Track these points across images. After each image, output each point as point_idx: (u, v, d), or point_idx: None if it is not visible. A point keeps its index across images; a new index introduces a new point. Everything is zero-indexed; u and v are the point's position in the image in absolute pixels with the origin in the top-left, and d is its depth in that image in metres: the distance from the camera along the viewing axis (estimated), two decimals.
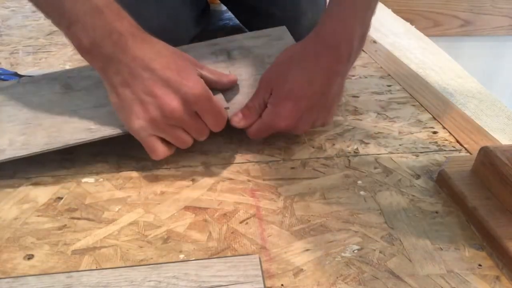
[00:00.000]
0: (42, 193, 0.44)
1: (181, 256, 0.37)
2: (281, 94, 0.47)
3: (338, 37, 0.46)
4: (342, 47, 0.46)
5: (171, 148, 0.46)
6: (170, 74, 0.42)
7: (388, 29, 0.94)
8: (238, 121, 0.50)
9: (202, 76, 0.45)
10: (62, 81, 0.52)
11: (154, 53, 0.42)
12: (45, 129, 0.45)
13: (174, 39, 0.69)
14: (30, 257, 0.37)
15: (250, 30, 0.83)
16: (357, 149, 0.52)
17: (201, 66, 0.47)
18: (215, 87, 0.48)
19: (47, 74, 0.54)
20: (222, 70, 0.51)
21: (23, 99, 0.50)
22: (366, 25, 0.48)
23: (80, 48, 0.42)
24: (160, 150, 0.45)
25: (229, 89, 0.51)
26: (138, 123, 0.42)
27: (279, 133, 0.50)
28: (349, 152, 0.51)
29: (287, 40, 0.58)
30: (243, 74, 0.54)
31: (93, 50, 0.41)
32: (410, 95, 0.65)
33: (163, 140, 0.45)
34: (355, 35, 0.46)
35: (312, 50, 0.47)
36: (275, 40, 0.58)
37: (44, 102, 0.49)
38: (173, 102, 0.41)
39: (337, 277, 0.35)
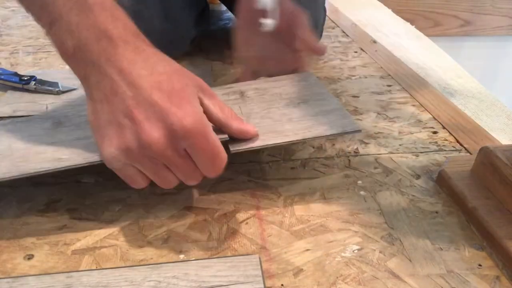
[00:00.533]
0: (42, 193, 0.44)
1: (181, 256, 0.37)
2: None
3: None
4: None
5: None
6: (158, 97, 0.34)
7: (388, 29, 0.94)
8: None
9: (204, 107, 0.37)
10: (56, 119, 0.48)
11: (146, 68, 0.35)
12: (12, 160, 0.40)
13: (174, 40, 0.69)
14: (30, 257, 0.37)
15: None
16: (357, 149, 0.52)
17: (211, 95, 0.38)
18: (219, 128, 0.39)
19: (43, 114, 0.51)
20: (231, 107, 0.41)
21: (7, 135, 0.46)
22: None
23: (62, 52, 0.36)
24: (140, 181, 0.37)
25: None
26: (109, 151, 0.35)
27: None
28: (349, 152, 0.51)
29: (311, 81, 0.52)
30: (255, 108, 0.47)
31: (76, 55, 0.35)
32: (410, 95, 0.65)
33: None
34: None
35: None
36: (297, 81, 0.52)
37: (26, 136, 0.45)
38: (154, 132, 0.33)
39: (337, 277, 0.35)
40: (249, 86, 0.51)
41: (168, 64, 0.36)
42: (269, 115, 0.45)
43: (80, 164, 0.39)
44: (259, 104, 0.48)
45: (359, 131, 0.43)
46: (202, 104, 0.36)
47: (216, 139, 0.35)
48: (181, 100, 0.34)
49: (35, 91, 0.62)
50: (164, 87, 0.34)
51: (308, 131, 0.43)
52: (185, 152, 0.35)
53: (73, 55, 0.36)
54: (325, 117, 0.45)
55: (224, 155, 0.36)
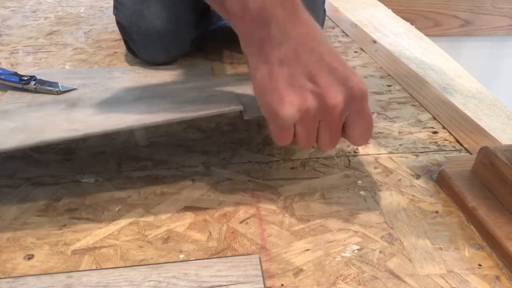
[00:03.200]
0: (42, 193, 0.44)
1: (181, 256, 0.37)
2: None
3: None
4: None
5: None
6: (337, 63, 0.36)
7: (388, 29, 0.94)
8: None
9: None
10: (70, 101, 0.50)
11: (322, 35, 0.37)
12: (28, 131, 0.42)
13: (175, 40, 0.69)
14: (30, 257, 0.37)
15: None
16: (357, 149, 0.52)
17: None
18: None
19: (58, 97, 0.53)
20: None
21: (22, 115, 0.47)
22: None
23: (240, 14, 0.36)
24: (289, 138, 0.39)
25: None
26: (290, 112, 0.36)
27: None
28: (349, 152, 0.51)
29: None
30: None
31: (260, 17, 0.36)
32: (410, 95, 0.65)
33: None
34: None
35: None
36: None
37: (42, 115, 0.46)
38: (338, 96, 0.35)
39: (337, 277, 0.35)
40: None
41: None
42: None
43: (96, 133, 0.39)
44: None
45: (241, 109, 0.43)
46: None
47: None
48: (349, 67, 0.37)
49: (35, 91, 0.62)
50: (334, 54, 0.37)
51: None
52: (347, 119, 0.38)
53: (256, 17, 0.36)
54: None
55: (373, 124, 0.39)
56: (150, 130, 0.55)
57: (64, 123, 0.42)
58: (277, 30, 0.36)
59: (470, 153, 0.51)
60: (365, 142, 0.40)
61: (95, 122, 0.42)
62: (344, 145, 0.53)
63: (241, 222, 0.41)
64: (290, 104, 0.36)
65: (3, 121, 0.46)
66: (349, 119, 0.38)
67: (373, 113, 0.59)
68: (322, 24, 0.76)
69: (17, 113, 0.48)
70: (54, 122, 0.43)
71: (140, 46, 0.69)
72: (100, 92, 0.51)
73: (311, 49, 0.36)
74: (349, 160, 0.50)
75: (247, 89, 0.48)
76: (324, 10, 0.76)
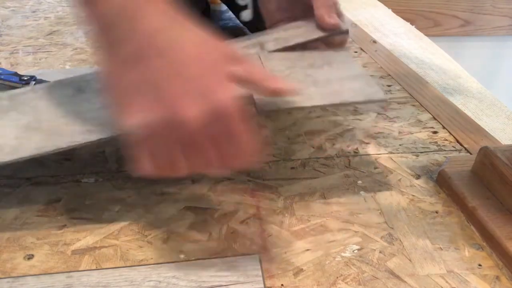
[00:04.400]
0: (42, 193, 0.44)
1: (181, 256, 0.37)
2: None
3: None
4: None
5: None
6: (198, 70, 0.30)
7: (388, 29, 0.94)
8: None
9: (234, 76, 0.32)
10: (76, 84, 0.49)
11: (182, 35, 0.31)
12: (42, 132, 0.41)
13: None
14: (30, 257, 0.37)
15: (250, 30, 0.83)
16: (357, 149, 0.52)
17: (242, 62, 0.34)
18: (254, 91, 0.36)
19: (63, 80, 0.52)
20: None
21: (31, 104, 0.46)
22: None
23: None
24: (146, 165, 0.31)
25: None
26: (134, 122, 0.30)
27: None
28: (349, 152, 0.51)
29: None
30: (277, 66, 0.45)
31: (107, 2, 0.31)
32: (410, 95, 0.65)
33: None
34: None
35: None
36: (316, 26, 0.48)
37: (51, 105, 0.46)
38: (192, 109, 0.29)
39: (337, 277, 0.35)
40: (269, 36, 0.48)
41: (200, 32, 0.32)
42: (293, 75, 0.42)
43: (110, 136, 0.38)
44: (281, 62, 0.44)
45: (385, 100, 0.42)
46: (234, 76, 0.32)
47: (249, 125, 0.32)
48: (221, 76, 0.30)
49: None
50: (204, 59, 0.31)
51: (334, 96, 0.41)
52: (215, 136, 0.30)
53: (103, 2, 0.31)
54: (351, 83, 0.43)
55: (255, 143, 0.32)
56: None
57: (76, 122, 0.41)
58: (125, 21, 0.30)
59: (470, 153, 0.51)
60: (239, 163, 0.32)
61: (105, 119, 0.40)
62: (344, 145, 0.53)
63: (241, 222, 0.41)
64: (136, 113, 0.30)
65: (12, 113, 0.45)
66: (221, 136, 0.30)
67: (376, 113, 0.59)
68: None
69: (24, 102, 0.46)
70: (66, 120, 0.42)
71: None
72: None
73: (165, 49, 0.30)
74: (349, 160, 0.50)
75: None
76: None
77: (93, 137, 0.38)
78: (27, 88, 0.50)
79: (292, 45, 0.47)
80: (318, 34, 0.47)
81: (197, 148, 0.30)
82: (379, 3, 1.10)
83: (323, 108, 0.44)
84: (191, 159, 0.31)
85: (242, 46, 0.48)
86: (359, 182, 0.47)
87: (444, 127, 0.57)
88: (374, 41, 0.84)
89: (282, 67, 0.44)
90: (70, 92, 0.47)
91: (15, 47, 0.79)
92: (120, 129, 0.32)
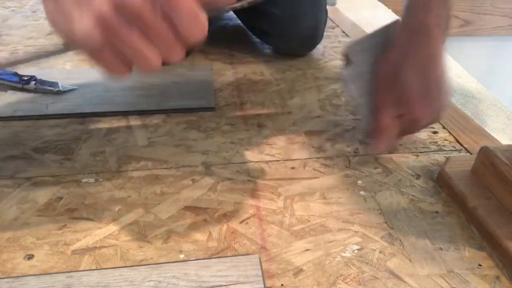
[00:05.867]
0: (42, 193, 0.44)
1: (181, 256, 0.37)
2: (409, 97, 0.46)
3: (426, 24, 0.46)
4: (433, 31, 0.46)
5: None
6: None
7: None
8: (381, 147, 0.47)
9: None
10: None
11: None
12: None
13: None
14: (30, 257, 0.37)
15: (251, 30, 0.83)
16: (357, 149, 0.52)
17: None
18: None
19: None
20: None
21: None
22: (448, 5, 0.47)
23: None
24: (120, 65, 0.32)
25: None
26: (82, 28, 0.29)
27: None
28: (349, 152, 0.51)
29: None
30: None
31: None
32: None
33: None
34: (440, 17, 0.46)
35: (409, 44, 0.47)
36: None
37: None
38: None
39: (337, 277, 0.35)
40: None
41: None
42: None
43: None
44: None
45: None
46: None
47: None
48: None
49: (35, 91, 0.62)
50: None
51: None
52: (164, 14, 0.30)
53: None
54: None
55: (203, 16, 0.32)
56: (150, 130, 0.55)
57: None
58: None
59: (470, 153, 0.51)
60: (195, 35, 0.33)
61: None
62: (344, 145, 0.53)
63: (241, 222, 0.41)
64: (79, 18, 0.29)
65: None
66: (167, 12, 0.30)
67: None
68: (324, 24, 0.76)
69: None
70: None
71: None
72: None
73: None
74: (349, 160, 0.50)
75: None
76: (326, 11, 0.76)
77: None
78: None
79: None
80: None
81: (152, 28, 0.30)
82: (379, 3, 1.10)
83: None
84: (154, 43, 0.31)
85: None
86: (359, 182, 0.47)
87: (444, 127, 0.57)
88: None
89: None
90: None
91: (15, 47, 0.79)
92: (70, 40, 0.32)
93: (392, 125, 0.47)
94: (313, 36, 0.74)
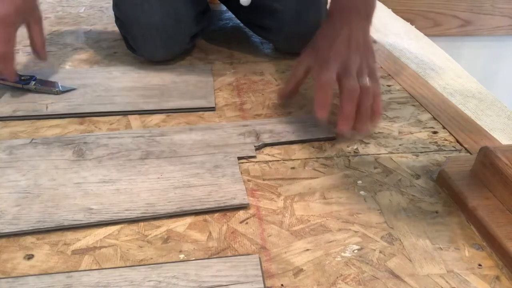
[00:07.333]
0: None
1: (181, 256, 0.37)
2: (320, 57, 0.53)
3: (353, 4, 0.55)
4: (361, 8, 0.56)
5: None
6: None
7: (388, 29, 0.94)
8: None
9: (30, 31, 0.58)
10: (76, 146, 0.49)
11: None
12: (42, 202, 0.42)
13: (174, 35, 0.69)
14: (30, 257, 0.37)
15: (251, 29, 0.83)
16: (357, 149, 0.52)
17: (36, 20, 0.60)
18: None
19: (63, 137, 0.52)
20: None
21: (30, 162, 0.47)
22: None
23: None
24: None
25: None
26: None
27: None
28: (349, 152, 0.51)
29: (322, 125, 0.55)
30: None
31: None
32: (410, 95, 0.65)
33: None
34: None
35: (336, 20, 0.55)
36: (312, 126, 0.55)
37: (50, 168, 0.46)
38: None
39: (337, 277, 0.35)
40: (265, 127, 0.56)
41: None
42: None
43: (110, 220, 0.40)
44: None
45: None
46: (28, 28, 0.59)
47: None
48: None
49: (35, 91, 0.62)
50: None
51: None
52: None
53: None
54: None
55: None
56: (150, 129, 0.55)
57: (77, 195, 0.42)
58: None
59: (470, 153, 0.51)
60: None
61: (107, 197, 0.42)
62: (344, 145, 0.53)
63: (241, 222, 0.41)
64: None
65: (11, 172, 0.45)
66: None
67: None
68: None
69: (23, 159, 0.47)
70: (66, 190, 0.43)
71: (139, 41, 0.69)
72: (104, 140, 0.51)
73: None
74: (349, 160, 0.50)
75: None
76: (327, 10, 0.76)
77: (93, 218, 0.40)
78: (26, 140, 0.50)
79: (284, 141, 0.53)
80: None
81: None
82: (379, 3, 1.10)
83: None
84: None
85: (238, 133, 0.53)
86: (359, 182, 0.47)
87: (444, 127, 0.57)
88: (374, 41, 0.84)
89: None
90: (68, 155, 0.48)
91: (15, 47, 0.79)
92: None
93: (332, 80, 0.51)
94: (314, 33, 0.74)
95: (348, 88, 0.49)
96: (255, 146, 0.51)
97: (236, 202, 0.42)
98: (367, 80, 0.51)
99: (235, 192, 0.43)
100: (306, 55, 0.56)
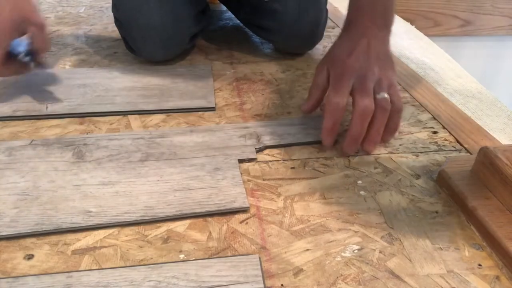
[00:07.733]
0: None
1: (181, 256, 0.37)
2: (335, 72, 0.50)
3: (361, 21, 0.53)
4: (381, 18, 0.54)
5: None
6: None
7: None
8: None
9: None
10: (76, 147, 0.49)
11: None
12: (41, 204, 0.41)
13: (173, 35, 0.69)
14: (30, 257, 0.37)
15: (251, 29, 0.83)
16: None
17: (38, 26, 0.56)
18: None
19: (63, 138, 0.51)
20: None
21: (29, 164, 0.47)
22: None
23: None
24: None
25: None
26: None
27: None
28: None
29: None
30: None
31: None
32: (410, 95, 0.65)
33: None
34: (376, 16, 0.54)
35: (354, 29, 0.53)
36: (312, 128, 0.55)
37: (50, 170, 0.46)
38: None
39: (337, 277, 0.35)
40: (265, 129, 0.55)
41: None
42: None
43: (109, 223, 0.40)
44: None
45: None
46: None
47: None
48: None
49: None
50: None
51: None
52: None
53: None
54: None
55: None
56: (150, 129, 0.55)
57: (76, 197, 0.42)
58: None
59: (470, 153, 0.51)
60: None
61: (106, 200, 0.42)
62: (344, 145, 0.52)
63: (241, 222, 0.41)
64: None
65: (10, 173, 0.45)
66: None
67: None
68: (324, 24, 0.76)
69: (23, 160, 0.47)
70: (65, 192, 0.43)
71: (139, 42, 0.69)
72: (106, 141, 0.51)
73: None
74: (349, 160, 0.50)
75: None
76: (327, 10, 0.76)
77: (92, 221, 0.40)
78: (26, 141, 0.50)
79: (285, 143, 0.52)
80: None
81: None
82: None
83: None
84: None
85: (239, 135, 0.53)
86: (359, 182, 0.47)
87: (444, 127, 0.57)
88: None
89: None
90: (68, 156, 0.48)
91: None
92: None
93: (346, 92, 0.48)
94: (314, 34, 0.74)
95: (361, 106, 0.46)
96: (256, 148, 0.51)
97: (236, 205, 0.42)
98: (385, 95, 0.47)
99: (235, 195, 0.43)
100: (322, 67, 0.52)
